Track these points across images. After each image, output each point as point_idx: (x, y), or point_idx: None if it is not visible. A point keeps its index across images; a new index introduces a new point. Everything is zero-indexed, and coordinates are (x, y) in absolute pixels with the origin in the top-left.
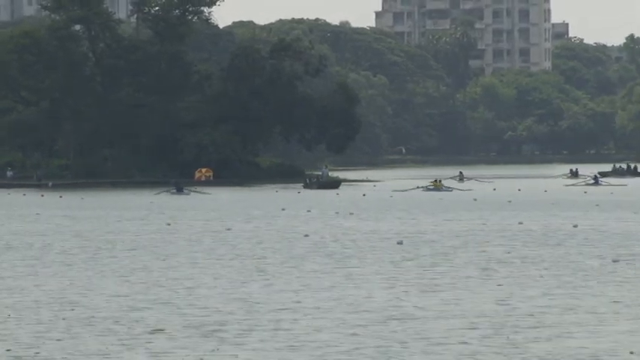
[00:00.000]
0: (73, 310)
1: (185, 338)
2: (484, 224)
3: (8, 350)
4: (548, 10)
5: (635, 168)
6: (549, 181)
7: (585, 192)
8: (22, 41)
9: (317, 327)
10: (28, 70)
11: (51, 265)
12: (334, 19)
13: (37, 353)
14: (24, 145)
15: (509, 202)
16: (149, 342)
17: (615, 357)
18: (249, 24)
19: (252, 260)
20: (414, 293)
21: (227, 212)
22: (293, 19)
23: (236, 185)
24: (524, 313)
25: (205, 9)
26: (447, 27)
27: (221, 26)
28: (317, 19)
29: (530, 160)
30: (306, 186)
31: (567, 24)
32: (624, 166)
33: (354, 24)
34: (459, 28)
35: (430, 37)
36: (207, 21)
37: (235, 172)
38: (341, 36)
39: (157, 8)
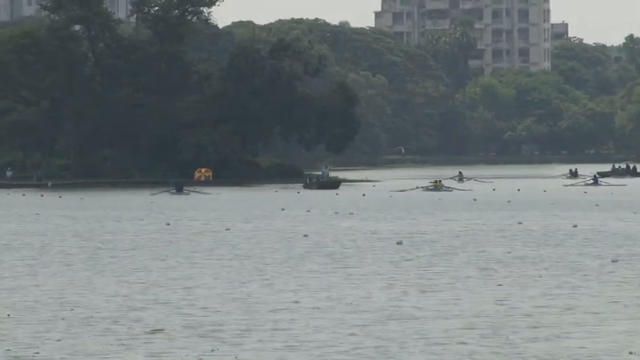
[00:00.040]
0: (72, 310)
1: (184, 338)
2: (484, 224)
3: (8, 350)
4: (548, 10)
5: (635, 168)
6: (549, 181)
7: (585, 192)
8: (21, 41)
9: (316, 327)
10: (28, 70)
11: (50, 265)
12: (334, 19)
13: (37, 353)
14: (24, 145)
15: (509, 202)
16: (148, 342)
17: (615, 357)
18: (249, 24)
19: (252, 260)
20: (413, 293)
21: (226, 212)
22: (292, 19)
23: (235, 185)
24: (524, 313)
25: (205, 9)
26: (447, 27)
27: (220, 26)
28: (316, 19)
29: (530, 160)
30: (306, 186)
31: (567, 24)
32: (623, 166)
33: (354, 24)
34: (458, 28)
35: (429, 37)
36: (206, 21)
37: (235, 172)
38: (340, 36)
39: (156, 8)
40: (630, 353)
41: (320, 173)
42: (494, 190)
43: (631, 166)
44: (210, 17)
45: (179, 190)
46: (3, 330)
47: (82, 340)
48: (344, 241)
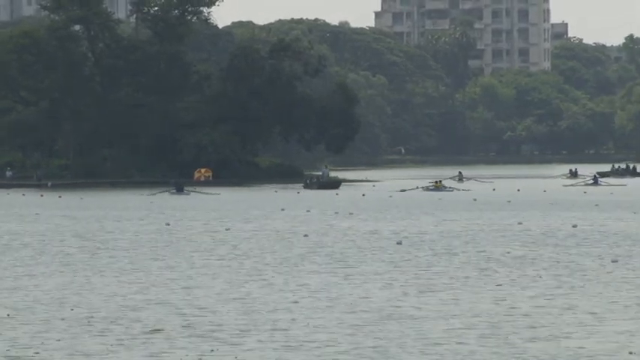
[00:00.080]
0: (72, 310)
1: (184, 338)
2: (484, 224)
3: (7, 350)
4: (548, 10)
5: (635, 168)
6: (548, 181)
7: (585, 192)
8: (21, 41)
9: (315, 327)
10: (27, 70)
11: (50, 265)
12: (333, 19)
13: (37, 353)
14: (24, 145)
15: (509, 202)
16: (148, 342)
17: (614, 357)
18: (249, 24)
19: (251, 260)
20: (412, 293)
21: (226, 212)
22: (292, 19)
23: (235, 185)
24: (523, 313)
25: (204, 9)
26: (447, 27)
27: (220, 26)
28: (316, 19)
29: (530, 160)
30: (307, 186)
31: (566, 24)
32: (623, 166)
33: (354, 24)
34: (458, 28)
35: (429, 37)
36: (206, 21)
37: (234, 172)
38: (340, 36)
39: (156, 8)
40: (630, 353)
41: (320, 173)
42: (494, 190)
43: (631, 166)
44: (210, 17)
45: (179, 191)
46: (3, 330)
47: (82, 340)
48: (344, 241)
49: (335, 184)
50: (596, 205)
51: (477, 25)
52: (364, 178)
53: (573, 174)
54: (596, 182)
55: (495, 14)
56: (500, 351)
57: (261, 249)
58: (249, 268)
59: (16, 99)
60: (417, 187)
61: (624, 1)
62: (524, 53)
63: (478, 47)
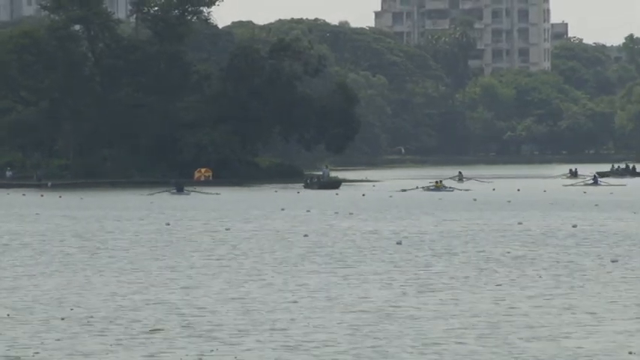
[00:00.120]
0: (72, 310)
1: (184, 338)
2: (484, 224)
3: (7, 350)
4: (548, 10)
5: (634, 168)
6: (548, 181)
7: (584, 192)
8: (21, 41)
9: (315, 327)
10: (27, 70)
11: (50, 265)
12: (333, 19)
13: (37, 353)
14: (24, 145)
15: (509, 202)
16: (147, 342)
17: (614, 357)
18: (249, 24)
19: (251, 260)
20: (412, 293)
21: (226, 212)
22: (292, 19)
23: (235, 185)
24: (523, 313)
25: (204, 9)
26: (446, 27)
27: (220, 26)
28: (316, 19)
29: (530, 160)
30: (307, 186)
31: (566, 24)
32: (623, 166)
33: (354, 24)
34: (458, 28)
35: (429, 37)
36: (206, 21)
37: (234, 172)
38: (340, 36)
39: (156, 8)
40: (630, 353)
41: (320, 173)
42: (494, 190)
43: (630, 165)
44: (210, 17)
45: (179, 191)
46: (2, 330)
47: (82, 340)
48: (344, 241)
49: (335, 184)
50: (596, 205)
51: (477, 25)
52: (364, 178)
53: (573, 174)
54: (595, 182)
55: (495, 14)
56: (500, 351)
57: (261, 249)
58: (248, 268)
59: (16, 99)
60: (417, 187)
61: (624, 1)
62: (524, 53)
63: (478, 47)
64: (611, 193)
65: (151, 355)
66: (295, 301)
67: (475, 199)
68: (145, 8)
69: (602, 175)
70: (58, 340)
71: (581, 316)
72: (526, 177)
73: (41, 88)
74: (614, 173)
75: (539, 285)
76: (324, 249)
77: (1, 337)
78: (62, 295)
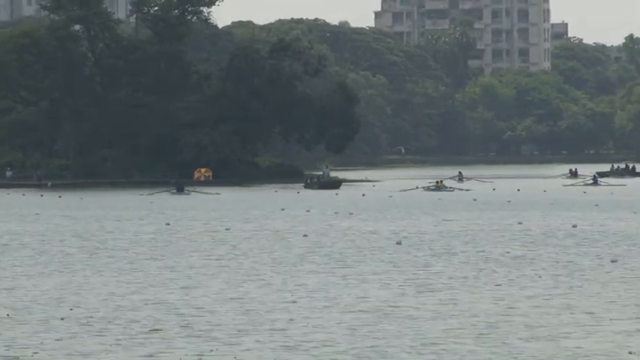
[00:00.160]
0: (71, 310)
1: (183, 338)
2: (483, 224)
3: (6, 350)
4: (548, 10)
5: (634, 168)
6: (548, 181)
7: (584, 192)
8: (21, 41)
9: (314, 327)
10: (27, 70)
11: (49, 265)
12: (333, 19)
13: (36, 353)
14: (24, 145)
15: (509, 202)
16: (146, 342)
17: (612, 357)
18: (249, 24)
19: (251, 260)
20: (411, 293)
21: (226, 212)
22: (292, 19)
23: (235, 185)
24: (522, 313)
25: (204, 9)
26: (446, 27)
27: (220, 26)
28: (316, 19)
29: (530, 160)
30: (307, 186)
31: (566, 24)
32: (622, 166)
33: (354, 24)
34: (458, 28)
35: (429, 37)
36: (206, 21)
37: (234, 172)
38: (340, 36)
39: (156, 8)
40: (630, 353)
41: (321, 173)
42: (494, 190)
43: (630, 165)
44: (210, 17)
45: (179, 190)
46: (2, 330)
47: (81, 340)
48: (343, 241)
49: (336, 184)
50: (596, 205)
51: (476, 25)
52: (364, 178)
53: (573, 174)
54: (595, 182)
55: (495, 14)
56: (499, 351)
57: (261, 249)
58: (248, 268)
59: (16, 99)
60: (417, 187)
61: (624, 1)
62: (524, 53)
63: (478, 47)
64: (611, 193)
65: (150, 355)
66: (294, 301)
67: (475, 199)
68: (145, 8)
69: (602, 175)
70: (58, 340)
71: (581, 316)
72: (526, 177)
73: (41, 88)
74: (614, 173)
75: (539, 285)
76: (324, 249)
77: (0, 337)
78: (61, 295)
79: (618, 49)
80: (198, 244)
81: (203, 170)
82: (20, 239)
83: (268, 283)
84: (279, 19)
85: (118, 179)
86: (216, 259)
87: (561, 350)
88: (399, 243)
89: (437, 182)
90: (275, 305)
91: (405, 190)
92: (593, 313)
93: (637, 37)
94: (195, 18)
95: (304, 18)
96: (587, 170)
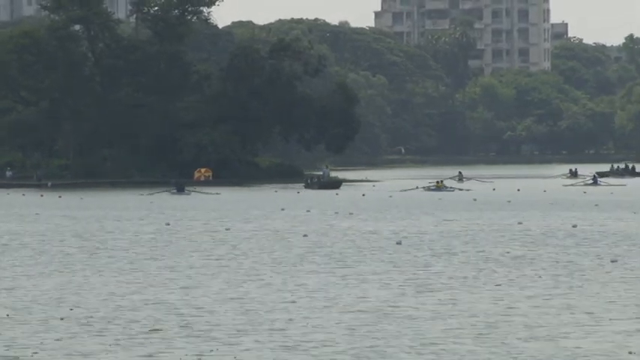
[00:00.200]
0: (71, 310)
1: (182, 338)
2: (484, 224)
3: (6, 350)
4: (548, 10)
5: (634, 168)
6: (548, 181)
7: (584, 192)
8: (21, 41)
9: (313, 327)
10: (27, 70)
11: (49, 265)
12: (333, 19)
13: (35, 353)
14: (24, 145)
15: (509, 202)
16: (146, 342)
17: (612, 357)
18: (249, 24)
19: (251, 260)
20: (411, 293)
21: (226, 212)
22: (292, 19)
23: (235, 185)
24: (521, 313)
25: (204, 9)
26: (446, 27)
27: (220, 26)
28: (316, 19)
29: (530, 160)
30: (307, 186)
31: (566, 24)
32: (622, 166)
33: (354, 24)
34: (458, 28)
35: (429, 37)
36: (206, 21)
37: (234, 172)
38: (340, 36)
39: (156, 8)
40: (630, 353)
41: (321, 173)
42: (494, 190)
43: (630, 165)
44: (210, 17)
45: (180, 190)
46: (2, 330)
47: (81, 340)
48: (343, 241)
49: (336, 184)
50: (596, 205)
51: (477, 25)
52: (364, 178)
53: (573, 174)
54: (595, 182)
55: (495, 14)
56: (498, 351)
57: (261, 249)
58: (248, 268)
59: (16, 99)
60: (417, 187)
61: (624, 1)
62: (524, 53)
63: (478, 47)
64: (611, 193)
65: (150, 355)
66: (294, 301)
67: (475, 199)
68: (145, 8)
69: (602, 175)
70: (57, 340)
71: (580, 316)
72: (526, 177)
73: (41, 88)
74: (614, 173)
75: (539, 285)
76: (324, 249)
77: (0, 337)
78: (61, 295)
79: (618, 49)
80: (198, 244)
81: (203, 170)
82: (20, 239)
83: (268, 283)
84: (279, 19)
85: (118, 179)
86: (216, 259)
87: (561, 350)
88: (399, 243)
89: (437, 182)
90: (275, 305)
91: (405, 190)
92: (593, 313)
93: (637, 37)
94: (195, 18)
95: (304, 18)
96: (587, 170)
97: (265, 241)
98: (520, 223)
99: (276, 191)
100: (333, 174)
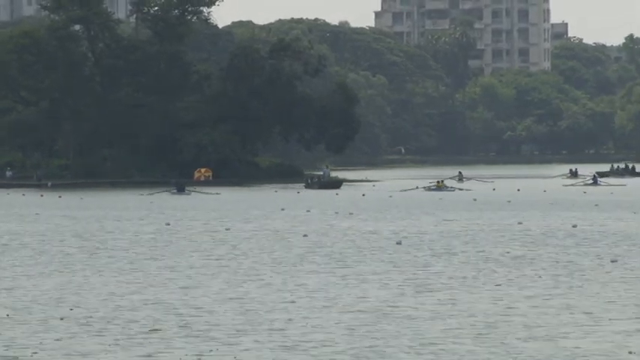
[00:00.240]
0: (71, 310)
1: (182, 338)
2: (484, 224)
3: (6, 350)
4: (548, 10)
5: (633, 168)
6: (548, 181)
7: (584, 192)
8: (21, 41)
9: (313, 327)
10: (27, 70)
11: (49, 265)
12: (333, 19)
13: (35, 353)
14: (24, 145)
15: (509, 202)
16: (146, 342)
17: (611, 357)
18: (249, 24)
19: (251, 260)
20: (410, 293)
21: (226, 212)
22: (292, 19)
23: (235, 185)
24: (521, 313)
25: (204, 9)
26: (447, 27)
27: (220, 26)
28: (316, 19)
29: (530, 160)
30: (308, 186)
31: (566, 24)
32: (622, 165)
33: (354, 24)
34: (458, 28)
35: (429, 37)
36: (206, 21)
37: (234, 172)
38: (340, 36)
39: (156, 8)
40: (630, 353)
41: (321, 173)
42: (494, 190)
43: (630, 165)
44: (210, 17)
45: (180, 190)
46: (1, 330)
47: (80, 340)
48: (343, 241)
49: (336, 184)
50: (596, 205)
51: (477, 25)
52: (364, 178)
53: (573, 174)
54: (595, 182)
55: (495, 14)
56: (497, 351)
57: (261, 249)
58: (247, 268)
59: (16, 99)
60: (417, 187)
61: (624, 1)
62: (524, 53)
63: (478, 47)
64: (611, 193)
65: (150, 355)
66: (293, 301)
67: (475, 199)
68: (145, 8)
69: (602, 175)
70: (57, 340)
71: (580, 316)
72: (526, 177)
73: (41, 88)
74: (614, 173)
75: (538, 285)
76: (324, 249)
77: (0, 337)
78: (61, 295)
79: (618, 49)
80: (198, 244)
81: (203, 170)
82: (20, 239)
83: (268, 283)
84: (279, 19)
85: (118, 179)
86: (216, 259)
87: (560, 350)
88: (399, 243)
89: (438, 182)
90: (274, 305)
91: (405, 190)
92: (593, 313)
93: (637, 37)
94: (195, 18)
95: (304, 18)
96: (587, 170)
97: (265, 241)
98: (520, 223)
99: (276, 191)
100: (333, 174)
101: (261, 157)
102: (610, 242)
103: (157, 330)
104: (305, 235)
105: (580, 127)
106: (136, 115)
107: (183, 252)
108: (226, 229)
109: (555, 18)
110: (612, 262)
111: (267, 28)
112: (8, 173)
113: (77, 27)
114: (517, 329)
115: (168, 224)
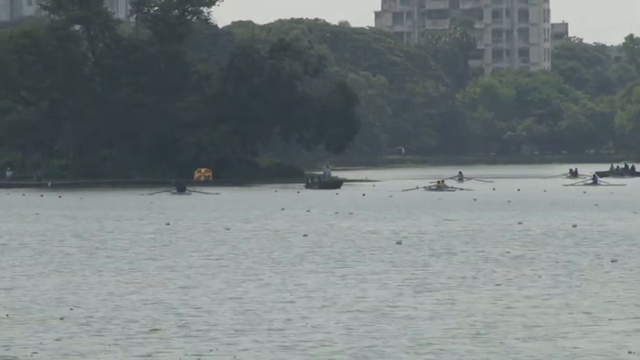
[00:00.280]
0: (71, 310)
1: (181, 338)
2: (484, 224)
3: (5, 350)
4: (548, 10)
5: (633, 168)
6: (548, 181)
7: (584, 192)
8: (21, 41)
9: (312, 327)
10: (27, 70)
11: (49, 265)
12: (333, 19)
13: (35, 353)
14: (24, 145)
15: (509, 202)
16: (145, 342)
17: (611, 357)
18: (249, 24)
19: (251, 260)
20: (410, 293)
21: (226, 212)
22: (292, 18)
23: (235, 185)
24: (521, 312)
25: (204, 9)
26: (447, 27)
27: (220, 26)
28: (316, 19)
29: (530, 160)
30: (308, 186)
31: (567, 24)
32: (622, 165)
33: (354, 24)
34: (458, 28)
35: (429, 37)
36: (206, 21)
37: (234, 172)
38: (340, 36)
39: (156, 8)
40: (629, 353)
41: (322, 173)
42: (494, 190)
43: (630, 165)
44: (210, 17)
45: (180, 190)
46: (1, 330)
47: (80, 340)
48: (343, 241)
49: (336, 183)
50: (596, 204)
51: (477, 25)
52: (364, 178)
53: (573, 174)
54: (595, 182)
55: (495, 14)
56: (497, 351)
57: (261, 249)
58: (247, 268)
59: (16, 99)
60: (417, 187)
61: (624, 1)
62: (524, 53)
63: (478, 47)
64: (611, 193)
65: (149, 355)
66: (293, 301)
67: (475, 199)
68: (145, 8)
69: (602, 174)
70: (57, 340)
71: (579, 316)
72: (526, 177)
73: (41, 88)
74: (614, 173)
75: (538, 285)
76: (324, 249)
77: None
78: (61, 295)
79: (618, 49)
80: (198, 244)
81: (203, 170)
82: (20, 239)
83: (267, 283)
84: (279, 19)
85: (118, 179)
86: (216, 259)
87: (559, 350)
88: (399, 243)
89: (438, 182)
90: (274, 305)
91: (405, 190)
92: (592, 313)
93: (637, 37)
94: (195, 18)
95: (304, 18)
96: (587, 170)
97: (265, 241)
98: (520, 223)
99: (276, 191)
100: (333, 174)
101: (261, 157)
102: (610, 242)
103: (156, 330)
104: (305, 235)
105: (580, 127)
106: (136, 115)
107: (183, 252)
108: (226, 229)
109: (555, 18)
110: (612, 262)
111: (267, 28)
112: (8, 173)
113: (77, 27)
114: (516, 329)
115: (168, 224)
